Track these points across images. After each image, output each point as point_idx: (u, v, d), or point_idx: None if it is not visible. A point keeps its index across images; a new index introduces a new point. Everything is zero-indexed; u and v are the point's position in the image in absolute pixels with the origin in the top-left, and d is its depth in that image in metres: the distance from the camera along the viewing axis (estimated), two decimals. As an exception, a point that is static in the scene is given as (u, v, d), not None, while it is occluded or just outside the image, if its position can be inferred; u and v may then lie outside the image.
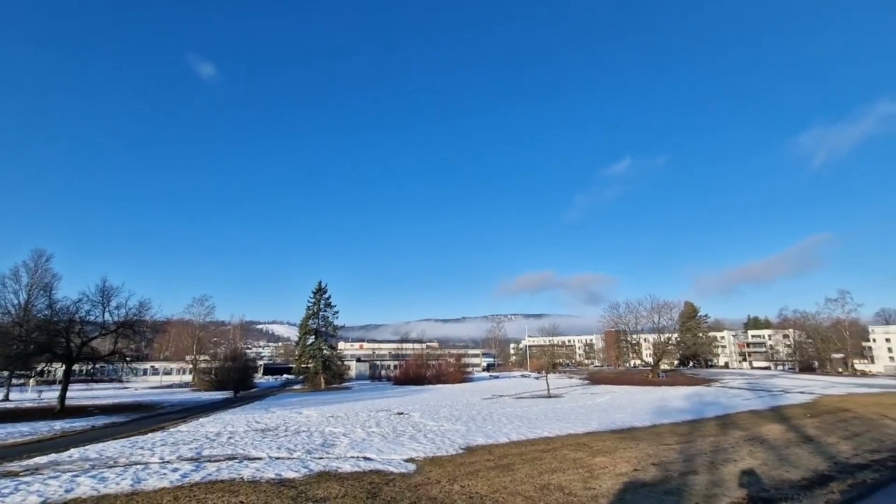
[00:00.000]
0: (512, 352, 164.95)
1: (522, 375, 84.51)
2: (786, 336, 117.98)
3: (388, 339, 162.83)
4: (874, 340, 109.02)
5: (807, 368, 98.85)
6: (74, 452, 13.86)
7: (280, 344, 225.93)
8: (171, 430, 19.69)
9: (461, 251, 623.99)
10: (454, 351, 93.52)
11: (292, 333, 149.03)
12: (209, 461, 12.24)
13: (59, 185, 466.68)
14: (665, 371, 71.57)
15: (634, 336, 78.19)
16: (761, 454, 13.14)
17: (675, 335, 72.55)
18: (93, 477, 9.98)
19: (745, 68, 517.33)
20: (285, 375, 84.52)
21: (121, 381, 47.80)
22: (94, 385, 49.98)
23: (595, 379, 63.13)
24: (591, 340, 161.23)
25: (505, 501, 8.39)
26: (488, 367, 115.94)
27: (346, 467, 11.26)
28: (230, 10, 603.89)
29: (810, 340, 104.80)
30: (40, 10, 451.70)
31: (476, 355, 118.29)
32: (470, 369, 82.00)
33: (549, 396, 36.72)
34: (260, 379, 75.41)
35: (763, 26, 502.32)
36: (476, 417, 22.74)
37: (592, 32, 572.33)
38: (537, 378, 67.20)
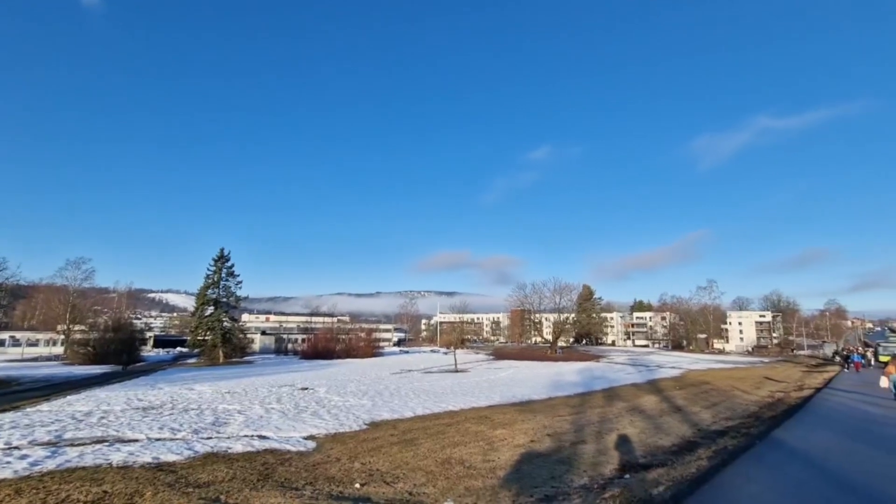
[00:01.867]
0: (423, 328, 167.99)
1: (432, 351, 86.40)
2: (663, 318, 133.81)
3: (298, 313, 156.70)
4: (730, 323, 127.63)
5: (678, 346, 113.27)
6: None
7: (175, 314, 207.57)
8: (28, 409, 17.00)
9: (378, 226, 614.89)
10: (366, 325, 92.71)
11: (189, 304, 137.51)
12: (71, 445, 10.69)
13: None
14: (562, 348, 77.51)
15: (537, 315, 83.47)
16: (640, 423, 14.58)
17: (573, 315, 78.54)
18: None
19: (653, 78, 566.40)
20: (179, 348, 77.73)
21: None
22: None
23: (499, 355, 66.48)
24: (499, 318, 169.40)
25: (405, 477, 8.33)
26: (399, 343, 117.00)
27: (238, 447, 10.49)
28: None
29: (682, 322, 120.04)
30: None
31: (388, 330, 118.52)
32: (381, 344, 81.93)
33: (457, 371, 37.87)
34: (149, 352, 68.45)
35: (667, 43, 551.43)
36: (383, 392, 22.66)
37: (523, 25, 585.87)
38: (446, 353, 69.09)
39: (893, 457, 9.60)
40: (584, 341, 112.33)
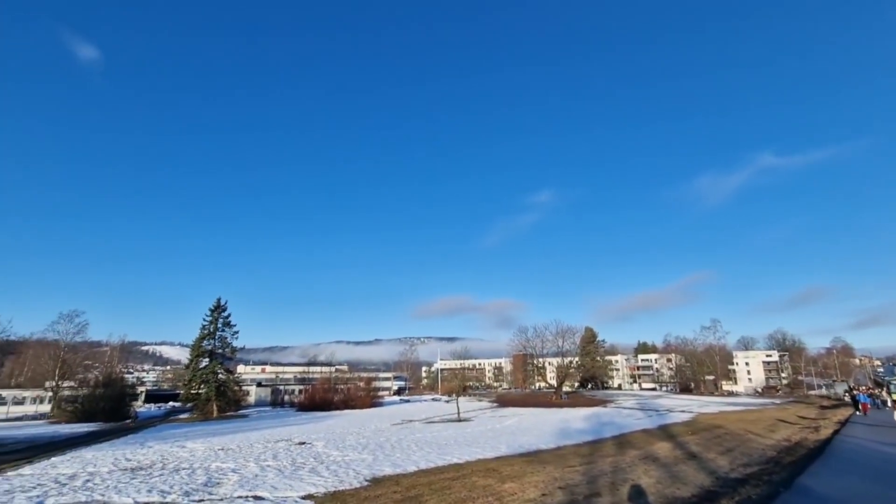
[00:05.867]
0: (424, 375, 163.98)
1: (433, 399, 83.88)
2: (669, 360, 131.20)
3: (295, 363, 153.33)
4: (737, 364, 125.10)
5: (685, 389, 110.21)
6: None
7: (168, 368, 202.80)
8: (9, 473, 16.10)
9: (377, 273, 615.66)
10: (365, 374, 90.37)
11: (183, 356, 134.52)
12: (53, 512, 10.02)
13: None
14: (567, 393, 75.39)
15: (540, 360, 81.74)
16: (655, 472, 13.85)
17: (577, 359, 77.02)
18: None
19: (655, 119, 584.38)
20: (171, 403, 75.17)
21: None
22: None
23: (503, 401, 64.50)
24: (501, 364, 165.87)
25: (411, 540, 7.74)
26: (399, 391, 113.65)
27: (231, 510, 9.84)
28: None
29: (688, 364, 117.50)
30: None
31: (387, 378, 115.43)
32: (381, 393, 79.57)
33: (460, 420, 36.52)
34: (141, 407, 66.13)
35: (668, 83, 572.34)
36: (384, 445, 21.69)
37: (520, 66, 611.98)
38: (448, 402, 67.01)
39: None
40: (589, 385, 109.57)
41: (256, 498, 11.15)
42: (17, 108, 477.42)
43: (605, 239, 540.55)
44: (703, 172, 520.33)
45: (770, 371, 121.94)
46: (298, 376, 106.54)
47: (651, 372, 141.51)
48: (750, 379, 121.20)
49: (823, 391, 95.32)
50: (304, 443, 23.17)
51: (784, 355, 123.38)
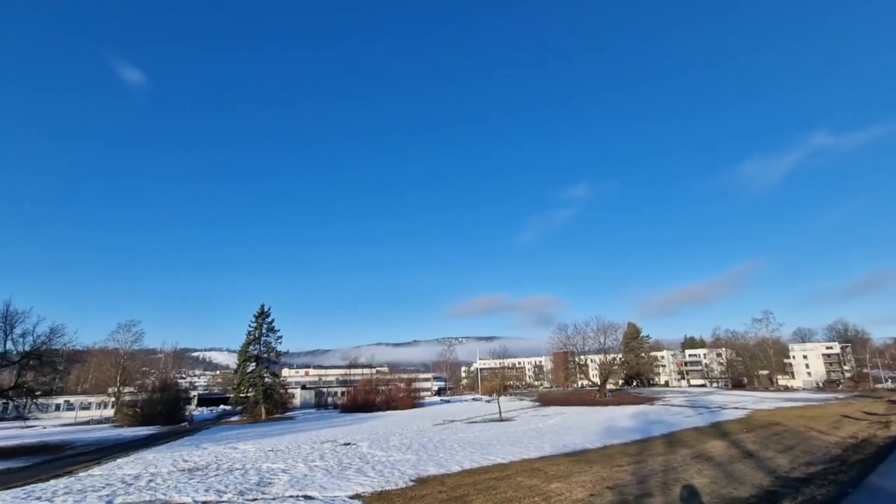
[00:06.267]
0: (463, 375, 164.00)
1: (474, 399, 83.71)
2: (719, 354, 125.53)
3: (336, 365, 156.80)
4: (793, 357, 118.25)
5: (738, 384, 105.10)
6: (-50, 508, 11.68)
7: (218, 372, 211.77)
8: (81, 474, 17.27)
9: (414, 274, 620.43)
10: (405, 376, 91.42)
11: (231, 361, 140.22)
12: (121, 510, 10.65)
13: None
14: (611, 391, 73.50)
15: (582, 357, 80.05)
16: (709, 472, 13.27)
17: (620, 355, 74.90)
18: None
19: (694, 102, 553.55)
20: (222, 406, 78.55)
21: (24, 419, 41.90)
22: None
23: (545, 400, 63.57)
24: (541, 362, 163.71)
25: (459, 540, 7.72)
26: (440, 392, 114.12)
27: (283, 509, 10.14)
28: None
29: (740, 358, 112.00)
30: None
31: (427, 379, 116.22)
32: (421, 394, 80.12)
33: (501, 420, 36.28)
34: (194, 411, 69.50)
35: (710, 58, 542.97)
36: (427, 445, 21.81)
37: (556, 56, 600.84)
38: (488, 401, 66.71)
39: None
40: (634, 383, 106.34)
41: (307, 497, 11.44)
42: (77, 132, 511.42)
43: (644, 231, 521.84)
44: (749, 157, 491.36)
45: (831, 364, 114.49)
46: (340, 378, 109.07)
47: (700, 367, 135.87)
48: (808, 373, 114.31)
49: (891, 384, 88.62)
50: (349, 443, 23.63)
51: (846, 347, 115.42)
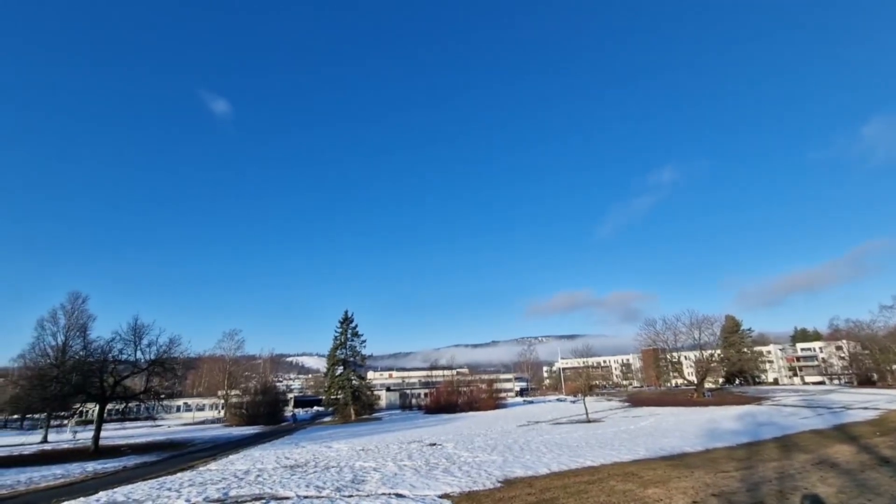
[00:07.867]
0: (545, 375, 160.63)
1: (558, 399, 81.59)
2: (839, 348, 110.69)
3: (418, 367, 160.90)
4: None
5: (865, 382, 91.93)
6: (103, 496, 13.57)
7: (310, 376, 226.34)
8: (201, 468, 19.32)
9: (491, 274, 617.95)
10: (485, 376, 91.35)
11: (321, 365, 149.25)
12: (236, 502, 11.73)
13: (93, 229, 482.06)
14: (710, 390, 67.78)
15: (674, 354, 74.63)
16: (835, 480, 11.71)
17: (718, 351, 68.97)
18: (115, 523, 9.56)
19: (797, 51, 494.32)
20: (315, 408, 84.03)
21: (153, 419, 48.14)
22: (128, 424, 50.63)
23: (636, 401, 60.17)
24: (628, 360, 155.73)
25: (552, 544, 7.50)
26: (522, 392, 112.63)
27: (377, 506, 10.53)
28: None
29: (867, 352, 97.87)
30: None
31: (508, 380, 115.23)
32: (503, 395, 79.61)
33: (589, 421, 34.92)
34: (290, 412, 75.14)
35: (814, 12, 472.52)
36: (512, 446, 21.57)
37: (625, 34, 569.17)
38: (573, 402, 64.62)
39: None
40: (736, 381, 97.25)
41: (398, 495, 11.79)
42: (172, 160, 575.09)
43: (739, 214, 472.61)
44: (872, 118, 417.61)
45: None
46: (422, 380, 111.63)
47: (815, 363, 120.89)
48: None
49: None
50: (434, 444, 24.05)
51: None
